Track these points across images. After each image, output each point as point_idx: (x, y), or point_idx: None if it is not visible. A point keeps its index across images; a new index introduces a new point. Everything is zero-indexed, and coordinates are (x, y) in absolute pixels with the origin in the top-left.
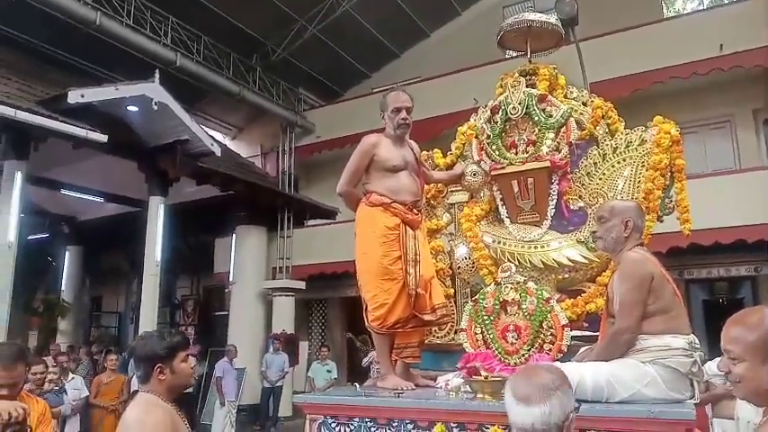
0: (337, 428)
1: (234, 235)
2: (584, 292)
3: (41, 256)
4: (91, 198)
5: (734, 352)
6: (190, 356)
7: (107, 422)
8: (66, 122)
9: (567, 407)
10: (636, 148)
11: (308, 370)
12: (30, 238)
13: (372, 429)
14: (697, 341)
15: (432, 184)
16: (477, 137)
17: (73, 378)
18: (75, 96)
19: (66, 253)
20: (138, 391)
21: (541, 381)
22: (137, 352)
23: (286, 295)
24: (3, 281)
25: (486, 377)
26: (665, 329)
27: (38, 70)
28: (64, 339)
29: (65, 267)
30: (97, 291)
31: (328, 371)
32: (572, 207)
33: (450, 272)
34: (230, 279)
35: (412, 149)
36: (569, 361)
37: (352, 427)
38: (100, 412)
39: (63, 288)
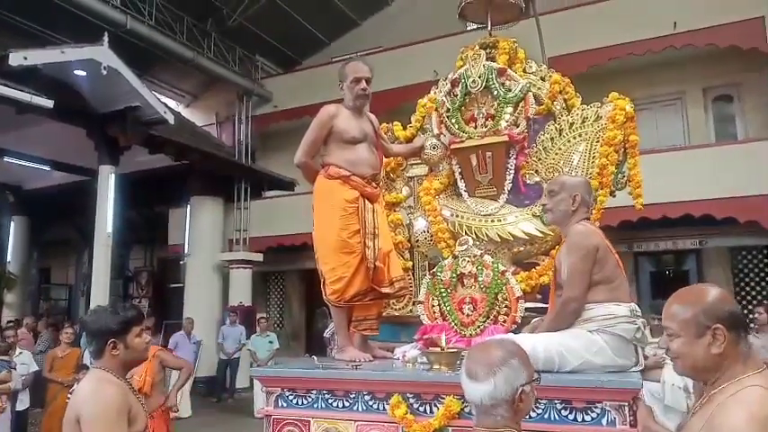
0: (295, 401)
1: (188, 206)
2: (539, 265)
3: None
4: (37, 166)
5: (671, 328)
6: (144, 331)
7: (61, 397)
8: (8, 86)
9: (515, 381)
10: (591, 124)
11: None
12: None
13: (330, 401)
14: (638, 309)
15: (391, 157)
16: (437, 110)
17: (21, 353)
18: (17, 58)
19: (12, 223)
20: (90, 366)
21: (488, 358)
22: (89, 327)
23: (243, 267)
24: None
25: (442, 348)
26: (608, 298)
27: None
28: (11, 312)
29: (10, 238)
30: (45, 262)
31: (270, 342)
32: (528, 182)
33: (409, 245)
34: (185, 251)
35: (371, 121)
36: (521, 332)
37: (310, 400)
38: (54, 387)
39: (9, 260)
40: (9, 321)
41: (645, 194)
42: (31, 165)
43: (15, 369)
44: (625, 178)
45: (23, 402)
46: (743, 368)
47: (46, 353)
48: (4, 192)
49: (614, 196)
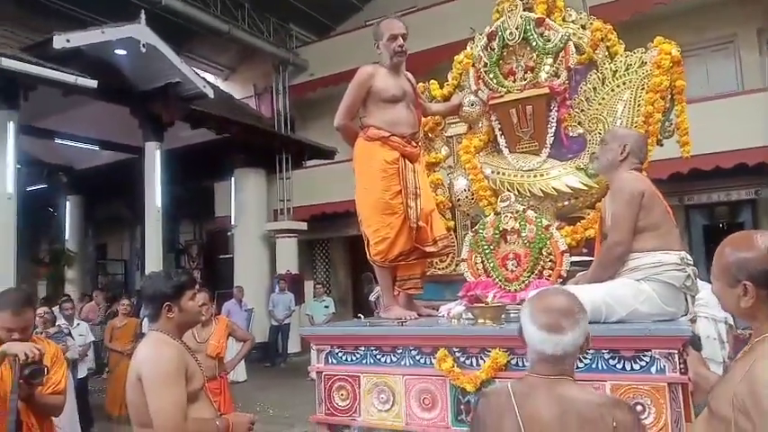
0: (344, 357)
1: (232, 178)
2: (584, 218)
3: (42, 207)
4: (86, 146)
5: (714, 269)
6: (196, 295)
7: (122, 365)
8: (53, 69)
9: (587, 329)
10: (636, 71)
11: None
12: (29, 189)
13: (378, 357)
14: (689, 257)
15: (429, 117)
16: (474, 65)
17: (78, 324)
18: (60, 41)
19: (67, 203)
20: (147, 329)
21: (568, 309)
22: (145, 292)
23: (288, 236)
24: (6, 231)
25: (486, 303)
26: (656, 246)
27: (20, 16)
28: (72, 288)
29: (66, 217)
30: (101, 239)
31: (326, 306)
32: (571, 134)
33: (450, 204)
34: (232, 223)
35: (409, 80)
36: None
37: (358, 356)
38: (115, 356)
39: (67, 238)
40: (64, 296)
41: (696, 144)
42: (80, 145)
43: (74, 339)
44: (672, 126)
45: (82, 371)
46: None
47: (105, 324)
48: (57, 173)
49: (661, 145)
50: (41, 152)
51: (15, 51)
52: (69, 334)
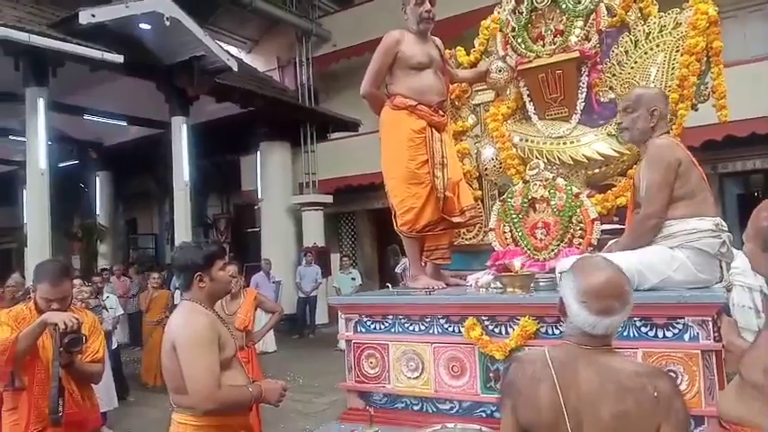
0: (373, 326)
1: (258, 152)
2: (615, 186)
3: (73, 183)
4: (114, 122)
5: (747, 231)
6: (227, 265)
7: (156, 334)
8: (80, 44)
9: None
10: (670, 32)
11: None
12: (60, 165)
13: (407, 325)
14: (724, 224)
15: (455, 84)
16: (501, 30)
17: (108, 297)
18: (86, 16)
19: (97, 179)
20: (180, 299)
21: (620, 290)
22: (177, 262)
23: (314, 209)
24: (41, 206)
25: (515, 272)
26: (691, 213)
27: None
28: (105, 262)
29: (97, 193)
30: (131, 214)
31: (353, 278)
32: (602, 99)
33: (477, 174)
34: (258, 196)
35: (437, 46)
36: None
37: (387, 324)
38: (148, 326)
39: (98, 213)
40: (103, 269)
41: (731, 110)
42: (108, 121)
43: (107, 311)
44: (708, 89)
45: (114, 342)
46: None
47: (138, 296)
48: (87, 149)
49: (696, 110)
50: (71, 129)
51: (42, 28)
52: (104, 306)
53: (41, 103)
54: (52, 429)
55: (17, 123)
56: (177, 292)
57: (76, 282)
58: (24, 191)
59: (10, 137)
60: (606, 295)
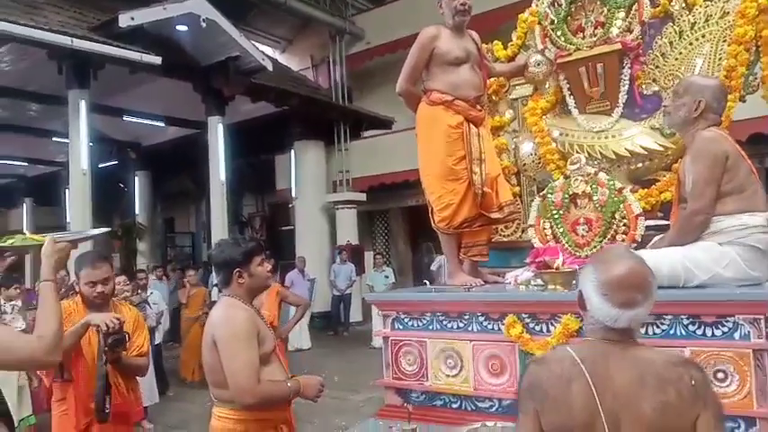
0: (410, 323)
1: (292, 151)
2: (659, 181)
3: (113, 183)
4: (152, 123)
5: None
6: (264, 261)
7: (194, 331)
8: (121, 47)
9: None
10: (716, 22)
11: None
12: (101, 165)
13: (445, 323)
14: None
15: (493, 79)
16: (540, 23)
17: (151, 293)
18: (125, 20)
19: (136, 178)
20: (219, 295)
21: (642, 280)
22: (215, 259)
23: (348, 208)
24: (83, 205)
25: (556, 269)
26: (740, 208)
27: None
28: (144, 260)
29: (136, 192)
30: (169, 213)
31: (386, 276)
32: (645, 92)
33: (515, 169)
34: (293, 195)
35: (474, 40)
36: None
37: (425, 321)
38: (187, 323)
39: (137, 212)
40: (140, 270)
41: None
42: (147, 122)
43: (151, 307)
44: (757, 80)
45: (156, 338)
46: None
47: (176, 293)
48: (126, 149)
49: (744, 101)
50: (111, 130)
51: (85, 32)
52: (147, 302)
53: (83, 104)
54: (98, 424)
55: (60, 125)
56: (215, 290)
57: (120, 279)
58: (67, 191)
59: (53, 138)
60: (628, 286)
